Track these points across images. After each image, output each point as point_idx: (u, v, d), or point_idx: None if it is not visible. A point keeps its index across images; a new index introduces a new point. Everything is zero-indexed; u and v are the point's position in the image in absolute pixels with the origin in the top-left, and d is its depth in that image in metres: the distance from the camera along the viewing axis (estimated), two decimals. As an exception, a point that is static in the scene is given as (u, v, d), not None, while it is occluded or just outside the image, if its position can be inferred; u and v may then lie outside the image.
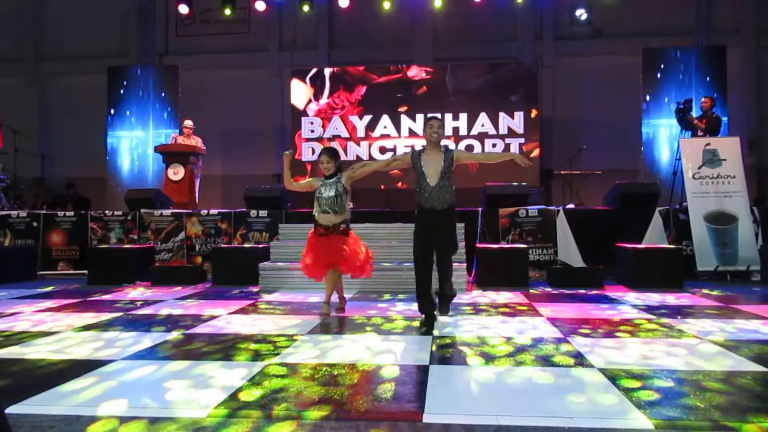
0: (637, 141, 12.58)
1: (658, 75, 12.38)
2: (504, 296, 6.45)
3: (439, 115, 13.78)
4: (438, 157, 4.80)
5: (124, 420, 2.60)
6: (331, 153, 5.25)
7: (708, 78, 12.23)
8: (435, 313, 4.84)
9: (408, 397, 2.90)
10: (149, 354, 3.84)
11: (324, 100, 14.29)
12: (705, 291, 6.79)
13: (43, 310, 5.68)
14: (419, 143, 13.68)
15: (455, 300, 5.79)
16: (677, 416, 2.60)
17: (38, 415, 2.65)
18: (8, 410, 2.66)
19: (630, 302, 5.97)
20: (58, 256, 9.26)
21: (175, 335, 4.44)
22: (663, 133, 12.25)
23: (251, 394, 2.94)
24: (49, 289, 7.41)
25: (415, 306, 5.20)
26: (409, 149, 13.82)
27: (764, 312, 5.31)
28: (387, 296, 6.50)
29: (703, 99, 9.79)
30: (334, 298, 5.53)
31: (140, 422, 2.57)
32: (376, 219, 8.33)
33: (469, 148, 13.62)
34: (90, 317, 5.23)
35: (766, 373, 3.30)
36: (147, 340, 4.23)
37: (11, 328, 4.76)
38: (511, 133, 13.64)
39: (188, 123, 10.94)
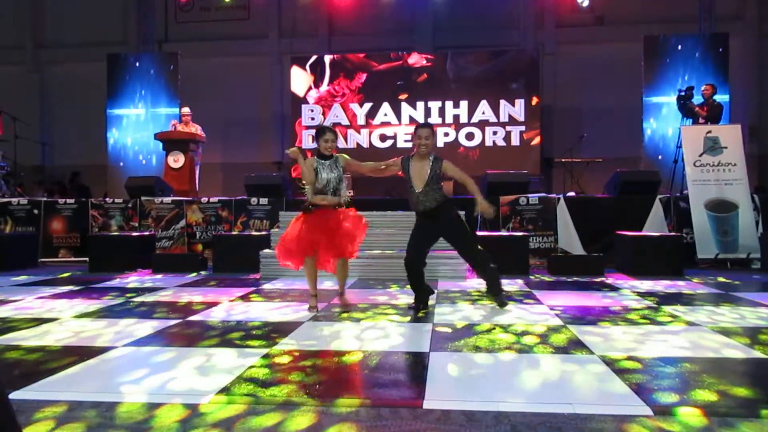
0: (638, 129, 12.54)
1: (660, 62, 12.30)
2: (504, 284, 6.44)
3: (439, 103, 13.86)
4: (424, 166, 4.75)
5: (125, 405, 2.61)
6: (335, 132, 5.00)
7: (710, 66, 12.16)
8: (428, 301, 5.03)
9: (408, 384, 2.91)
10: (150, 340, 3.86)
11: (324, 87, 14.24)
12: (705, 279, 6.80)
13: (44, 297, 5.70)
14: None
15: (456, 287, 5.82)
16: (676, 402, 2.61)
17: (41, 401, 2.66)
18: (11, 396, 2.67)
19: (630, 290, 5.98)
20: (59, 244, 9.27)
21: (176, 322, 4.45)
22: (664, 121, 12.20)
23: (251, 381, 2.95)
24: (50, 276, 7.43)
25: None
26: (409, 136, 13.89)
27: (764, 300, 5.32)
28: (387, 284, 6.51)
29: (704, 86, 9.75)
30: (324, 286, 5.35)
31: (141, 407, 2.59)
32: (376, 207, 8.33)
33: (470, 136, 13.62)
34: (91, 304, 5.25)
35: (765, 360, 3.31)
36: (148, 327, 4.24)
37: (13, 315, 4.78)
38: (512, 121, 13.61)
39: (186, 110, 10.92)
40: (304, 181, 4.93)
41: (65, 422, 2.42)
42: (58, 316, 4.68)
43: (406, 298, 5.53)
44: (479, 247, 5.03)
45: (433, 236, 4.94)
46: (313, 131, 14.09)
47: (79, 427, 2.38)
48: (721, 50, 12.20)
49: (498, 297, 4.99)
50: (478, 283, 6.49)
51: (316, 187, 4.82)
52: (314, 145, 5.06)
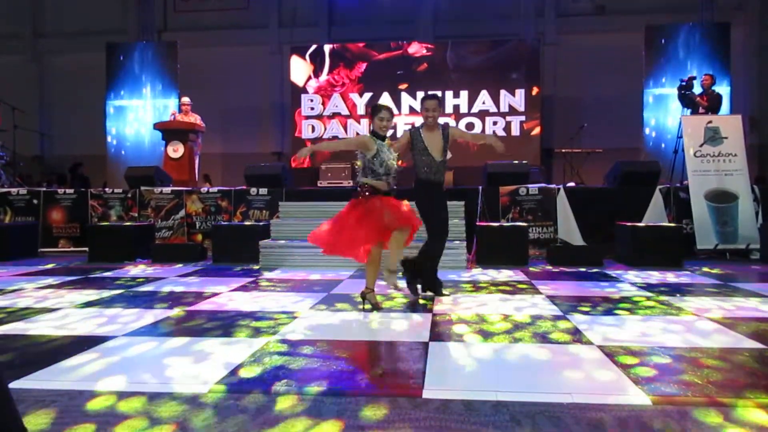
0: (638, 119, 12.51)
1: (661, 52, 12.26)
2: (504, 274, 6.47)
3: (439, 93, 13.80)
4: (437, 136, 4.95)
5: (124, 395, 2.62)
6: (391, 110, 4.66)
7: (711, 56, 12.12)
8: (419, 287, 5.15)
9: (408, 374, 2.92)
10: (150, 330, 3.87)
11: (324, 77, 14.20)
12: (704, 269, 6.81)
13: (44, 286, 5.70)
14: (420, 121, 13.64)
15: (456, 277, 5.83)
16: (675, 392, 2.62)
17: (41, 390, 2.67)
18: (11, 385, 2.67)
19: (629, 280, 5.99)
20: (59, 234, 9.26)
21: (176, 312, 4.46)
22: (665, 112, 12.17)
23: (252, 371, 2.96)
24: (50, 266, 7.43)
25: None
26: (409, 126, 13.86)
27: (763, 290, 5.33)
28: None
29: (704, 76, 9.73)
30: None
31: (141, 397, 2.59)
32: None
33: (470, 126, 13.58)
34: (91, 294, 5.25)
35: (763, 350, 3.32)
36: (148, 317, 4.25)
37: (14, 304, 4.78)
38: (512, 111, 13.58)
39: (185, 100, 10.90)
40: (395, 150, 4.77)
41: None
42: (57, 306, 4.67)
43: (406, 288, 5.53)
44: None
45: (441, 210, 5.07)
46: (312, 121, 14.06)
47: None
48: (722, 40, 12.15)
49: (438, 292, 5.13)
50: (476, 274, 6.49)
51: (373, 171, 4.56)
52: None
